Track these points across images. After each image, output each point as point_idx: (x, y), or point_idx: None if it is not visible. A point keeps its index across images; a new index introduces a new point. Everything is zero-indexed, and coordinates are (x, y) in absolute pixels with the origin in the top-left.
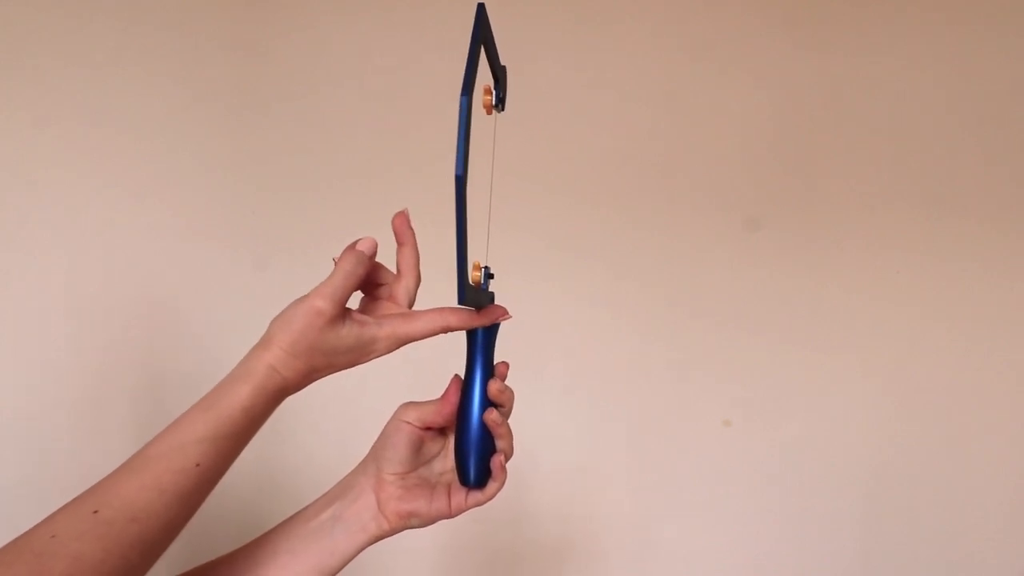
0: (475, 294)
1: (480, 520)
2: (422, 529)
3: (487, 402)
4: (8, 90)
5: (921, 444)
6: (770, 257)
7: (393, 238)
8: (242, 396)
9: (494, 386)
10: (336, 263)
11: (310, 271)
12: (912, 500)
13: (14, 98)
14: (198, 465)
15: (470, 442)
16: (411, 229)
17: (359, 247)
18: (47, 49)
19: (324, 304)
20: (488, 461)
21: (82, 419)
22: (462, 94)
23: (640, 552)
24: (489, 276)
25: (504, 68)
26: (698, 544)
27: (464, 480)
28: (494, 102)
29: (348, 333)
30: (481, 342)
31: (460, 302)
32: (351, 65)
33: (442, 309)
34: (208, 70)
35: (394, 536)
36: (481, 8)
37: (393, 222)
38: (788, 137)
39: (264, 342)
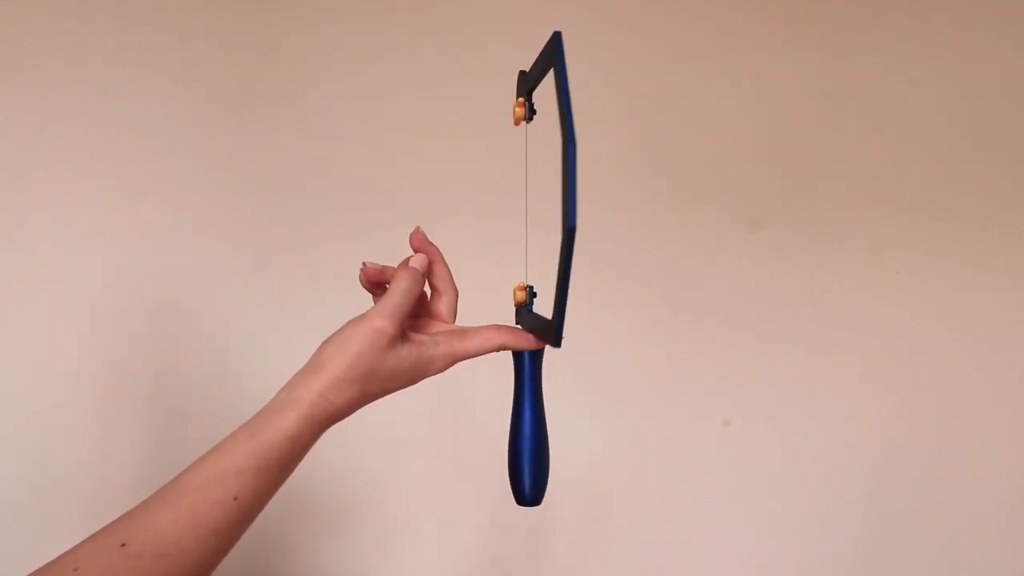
0: (529, 316)
1: (480, 519)
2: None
3: (539, 423)
4: (8, 90)
5: (922, 444)
6: (771, 257)
7: (402, 249)
8: (287, 425)
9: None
10: (391, 282)
11: (310, 271)
12: (913, 500)
13: (14, 98)
14: (236, 499)
15: (524, 461)
16: (432, 244)
17: (412, 264)
18: (47, 49)
19: (386, 324)
20: (543, 478)
21: (82, 419)
22: (569, 141)
23: (640, 552)
24: (533, 295)
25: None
26: (698, 544)
27: (520, 498)
28: (527, 116)
29: (408, 354)
30: (529, 363)
31: (553, 343)
32: (352, 65)
33: (499, 327)
34: (209, 70)
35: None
36: (558, 37)
37: (412, 242)
38: (789, 137)
39: (313, 367)
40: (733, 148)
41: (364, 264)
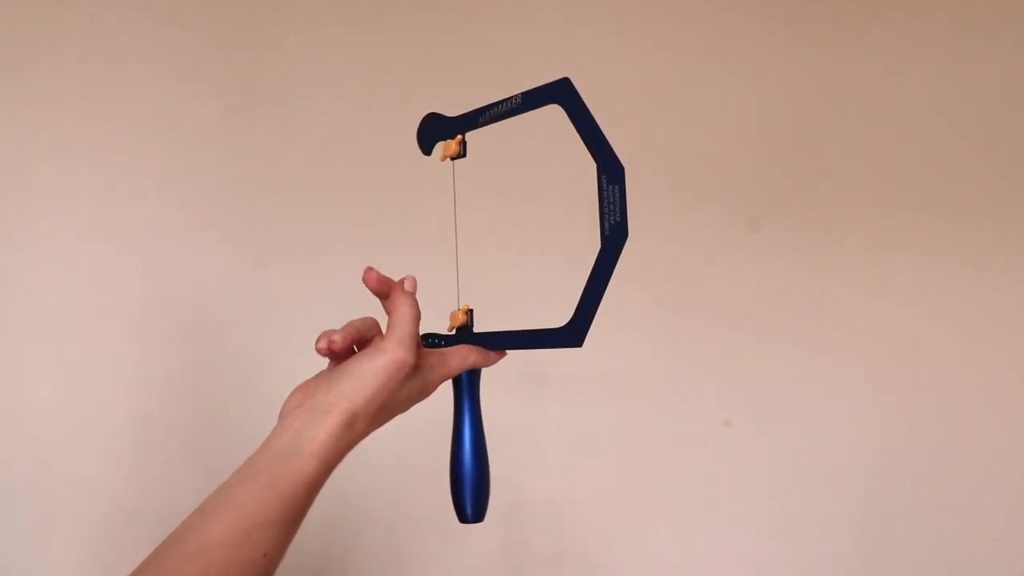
0: (471, 337)
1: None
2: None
3: (479, 442)
4: (8, 89)
5: (922, 444)
6: (771, 257)
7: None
8: (310, 471)
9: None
10: (393, 309)
11: (310, 271)
12: (913, 500)
13: (13, 97)
14: (265, 555)
15: (465, 479)
16: (388, 278)
17: (408, 287)
18: (46, 49)
19: (408, 355)
20: (485, 496)
21: (82, 419)
22: (621, 172)
23: (640, 552)
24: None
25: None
26: (699, 544)
27: (463, 516)
28: (455, 155)
29: (416, 382)
30: (467, 383)
31: (578, 342)
32: (353, 65)
33: (469, 347)
34: (209, 70)
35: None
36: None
37: (369, 283)
38: (789, 137)
39: (322, 406)
40: (733, 148)
41: (369, 269)
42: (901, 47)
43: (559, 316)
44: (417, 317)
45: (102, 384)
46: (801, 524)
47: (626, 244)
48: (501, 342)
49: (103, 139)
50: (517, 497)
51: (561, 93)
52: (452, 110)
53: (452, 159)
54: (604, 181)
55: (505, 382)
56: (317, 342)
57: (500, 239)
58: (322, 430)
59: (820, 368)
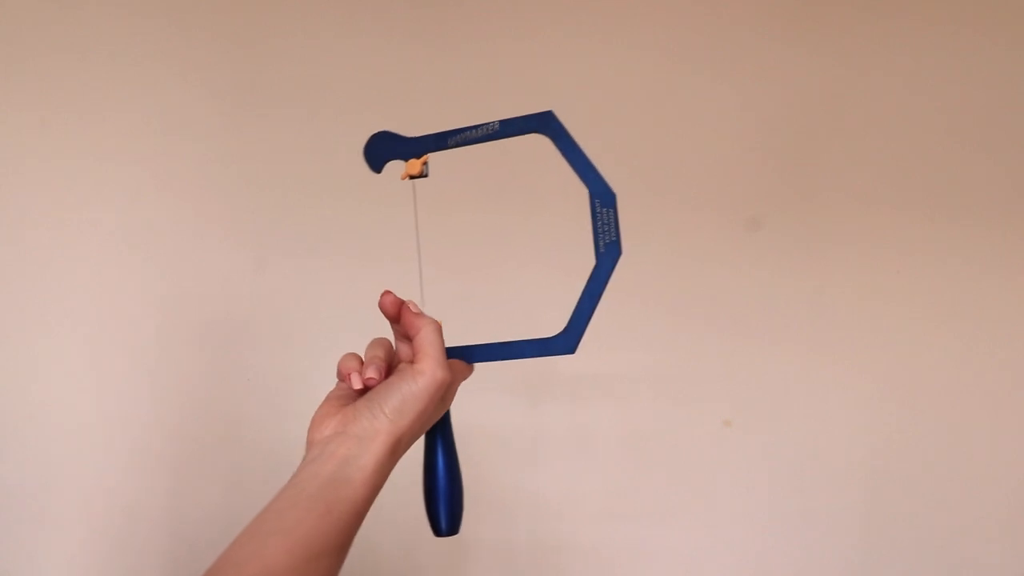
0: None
1: (476, 516)
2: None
3: (451, 455)
4: (8, 89)
5: (921, 444)
6: (770, 257)
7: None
8: (359, 499)
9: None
10: (419, 332)
11: (310, 271)
12: (913, 500)
13: (13, 97)
14: None
15: (439, 493)
16: (400, 299)
17: (415, 309)
18: (47, 48)
19: (447, 374)
20: (459, 508)
21: (81, 419)
22: (612, 197)
23: (640, 552)
24: None
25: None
26: (698, 544)
27: (437, 530)
28: (418, 174)
29: (445, 397)
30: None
31: (572, 350)
32: (353, 66)
33: (461, 361)
34: (209, 70)
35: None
36: (551, 116)
37: (387, 307)
38: (789, 138)
39: (372, 434)
40: (733, 148)
41: (387, 292)
42: (901, 47)
43: (547, 327)
44: (442, 338)
45: (101, 384)
46: (801, 524)
47: (625, 243)
48: (494, 354)
49: (103, 139)
50: (517, 497)
51: (545, 124)
52: (452, 110)
53: (412, 178)
54: (597, 205)
55: (506, 383)
56: (351, 381)
57: (493, 250)
58: (372, 457)
59: (820, 368)
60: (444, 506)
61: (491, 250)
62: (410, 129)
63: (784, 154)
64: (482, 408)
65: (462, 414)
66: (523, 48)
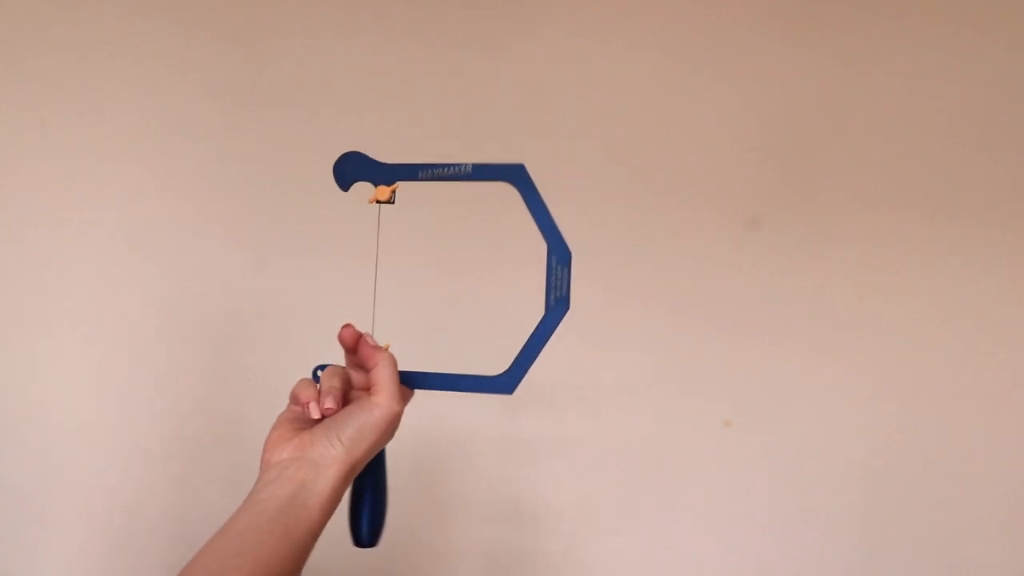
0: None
1: (477, 515)
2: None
3: (378, 468)
4: (8, 89)
5: (921, 444)
6: (770, 257)
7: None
8: (315, 523)
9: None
10: (378, 366)
11: (310, 271)
12: (912, 501)
13: (13, 96)
14: None
15: (363, 504)
16: (359, 332)
17: (372, 342)
18: (47, 48)
19: (401, 407)
20: (381, 521)
21: (81, 419)
22: (568, 256)
23: (639, 552)
24: None
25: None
26: (698, 544)
27: (358, 541)
28: (386, 200)
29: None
30: None
31: (510, 390)
32: (353, 66)
33: (405, 388)
34: (209, 70)
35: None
36: (522, 169)
37: (346, 340)
38: (789, 138)
39: (329, 461)
40: (733, 148)
41: (347, 325)
42: (901, 47)
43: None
44: (397, 369)
45: (101, 384)
46: (801, 524)
47: (624, 244)
48: (437, 383)
49: (103, 139)
50: (517, 497)
51: (515, 176)
52: (452, 110)
53: (380, 203)
54: (553, 261)
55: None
56: (309, 410)
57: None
58: (327, 483)
59: (820, 368)
60: (367, 518)
61: (482, 253)
62: (410, 129)
63: (784, 154)
64: (483, 408)
65: (462, 418)
66: (523, 48)
